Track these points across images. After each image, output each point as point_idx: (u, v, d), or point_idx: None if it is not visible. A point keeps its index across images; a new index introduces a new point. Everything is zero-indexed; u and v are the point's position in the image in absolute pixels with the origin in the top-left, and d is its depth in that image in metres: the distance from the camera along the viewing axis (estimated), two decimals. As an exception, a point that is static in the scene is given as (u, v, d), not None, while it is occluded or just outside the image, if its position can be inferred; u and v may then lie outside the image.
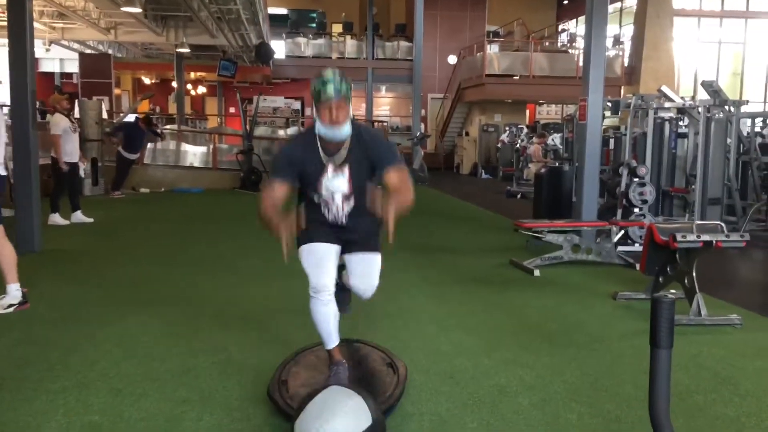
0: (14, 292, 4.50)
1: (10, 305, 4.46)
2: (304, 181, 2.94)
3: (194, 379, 3.33)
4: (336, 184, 2.90)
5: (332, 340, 3.08)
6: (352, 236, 3.03)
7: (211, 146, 14.77)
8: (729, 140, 8.37)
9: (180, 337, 3.99)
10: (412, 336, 4.09)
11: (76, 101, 13.13)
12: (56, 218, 8.26)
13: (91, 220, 8.53)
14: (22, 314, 4.43)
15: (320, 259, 2.96)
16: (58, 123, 8.12)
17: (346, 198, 2.94)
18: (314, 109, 2.82)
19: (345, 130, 2.82)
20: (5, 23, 6.74)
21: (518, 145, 15.51)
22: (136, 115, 13.18)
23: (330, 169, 2.89)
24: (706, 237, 4.39)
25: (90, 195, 11.23)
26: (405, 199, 2.75)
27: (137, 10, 12.85)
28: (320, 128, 2.82)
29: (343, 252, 3.07)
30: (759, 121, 10.34)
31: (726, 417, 3.01)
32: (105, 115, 13.45)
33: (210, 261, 6.40)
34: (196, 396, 3.13)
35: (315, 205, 2.99)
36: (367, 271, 3.08)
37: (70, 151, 8.26)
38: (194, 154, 14.54)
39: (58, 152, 8.12)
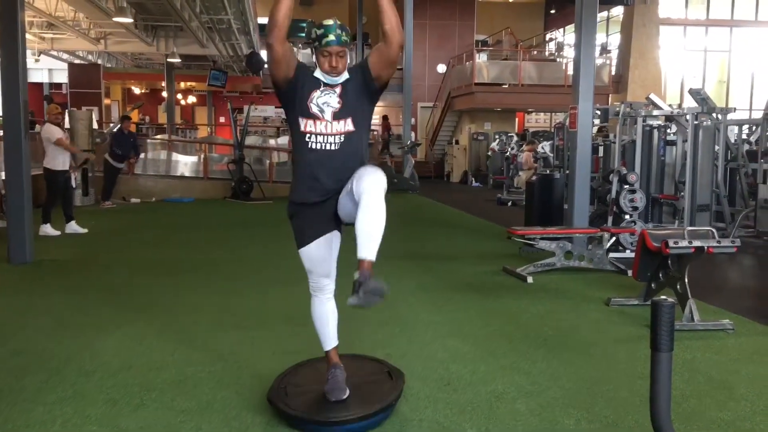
0: None
1: None
2: (297, 101, 2.84)
3: (192, 389, 3.33)
4: (326, 98, 2.83)
5: (330, 341, 3.07)
6: (341, 185, 2.80)
7: (202, 156, 14.73)
8: (717, 147, 8.47)
9: (176, 346, 3.99)
10: (409, 343, 4.11)
11: (66, 111, 13.06)
12: (47, 229, 8.21)
13: (85, 230, 8.50)
14: (18, 325, 4.41)
15: (318, 261, 2.95)
16: (54, 131, 8.18)
17: (336, 116, 2.82)
18: (314, 56, 2.81)
19: (343, 76, 2.83)
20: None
21: (508, 153, 15.59)
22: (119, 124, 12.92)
23: (322, 87, 2.84)
24: (697, 243, 4.44)
25: (80, 205, 11.18)
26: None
27: (128, 20, 12.86)
28: (318, 74, 2.82)
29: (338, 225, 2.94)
30: (746, 128, 10.46)
31: (721, 421, 3.04)
32: (95, 125, 13.40)
33: (203, 269, 6.39)
34: (194, 405, 3.13)
35: (305, 152, 2.85)
36: (361, 174, 2.66)
37: (62, 160, 8.27)
38: (185, 163, 14.52)
39: (74, 149, 8.59)
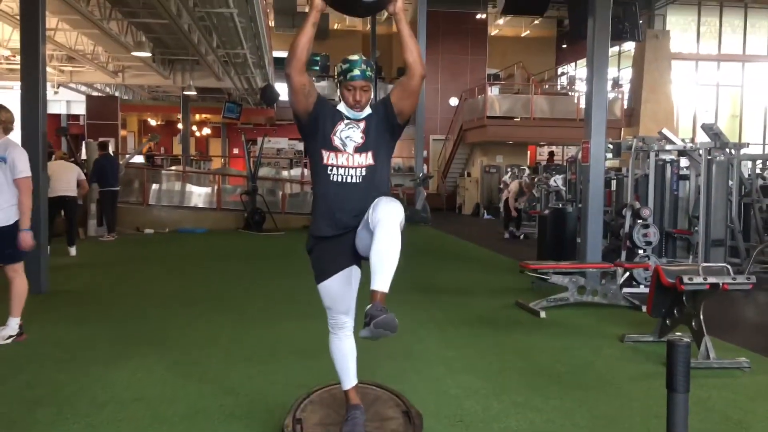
0: (14, 324, 4.76)
1: (9, 336, 4.70)
2: (319, 134, 2.87)
3: (203, 422, 3.32)
4: (349, 132, 2.87)
5: (350, 379, 3.01)
6: (359, 220, 2.80)
7: (216, 187, 14.86)
8: (730, 182, 8.43)
9: (187, 379, 3.98)
10: (420, 378, 4.08)
11: (83, 142, 13.23)
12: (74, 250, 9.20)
13: None
14: (30, 356, 4.43)
15: (337, 298, 2.93)
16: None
17: (358, 150, 2.86)
18: (338, 90, 2.88)
19: (366, 111, 2.88)
20: (17, 66, 6.87)
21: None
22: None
23: (345, 120, 2.89)
24: (712, 279, 4.40)
25: (94, 235, 11.29)
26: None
27: (147, 54, 13.10)
28: (342, 108, 2.88)
29: (356, 258, 2.93)
30: (759, 163, 10.43)
31: (739, 462, 2.99)
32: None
33: (215, 301, 6.40)
34: (206, 439, 3.11)
35: (326, 185, 2.86)
36: (377, 204, 2.68)
37: None
38: (198, 194, 14.64)
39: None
